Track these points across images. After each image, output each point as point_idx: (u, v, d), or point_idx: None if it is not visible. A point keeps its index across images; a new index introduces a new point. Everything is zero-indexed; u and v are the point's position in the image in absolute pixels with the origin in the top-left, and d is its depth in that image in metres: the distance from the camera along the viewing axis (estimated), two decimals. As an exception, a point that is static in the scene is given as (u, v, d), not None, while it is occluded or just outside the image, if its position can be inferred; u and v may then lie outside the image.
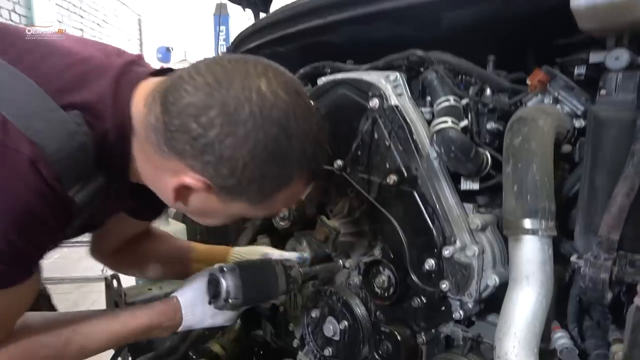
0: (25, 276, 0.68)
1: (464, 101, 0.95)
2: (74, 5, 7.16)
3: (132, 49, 7.31)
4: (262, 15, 1.91)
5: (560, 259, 0.85)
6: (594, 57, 0.91)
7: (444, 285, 0.90)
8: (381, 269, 1.02)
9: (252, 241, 1.61)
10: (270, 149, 0.66)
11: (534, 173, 0.80)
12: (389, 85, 0.99)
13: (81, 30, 7.44)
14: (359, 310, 1.10)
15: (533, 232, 0.78)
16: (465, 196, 0.97)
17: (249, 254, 1.20)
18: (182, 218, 1.69)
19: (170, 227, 1.61)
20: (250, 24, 1.59)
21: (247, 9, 1.99)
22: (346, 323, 1.11)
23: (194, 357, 1.41)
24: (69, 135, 0.65)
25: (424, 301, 0.98)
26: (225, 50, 1.80)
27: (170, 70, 0.79)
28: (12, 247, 0.63)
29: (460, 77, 1.00)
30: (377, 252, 1.06)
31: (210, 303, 0.93)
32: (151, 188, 0.79)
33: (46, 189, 0.64)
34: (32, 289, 0.74)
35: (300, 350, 1.32)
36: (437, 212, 0.91)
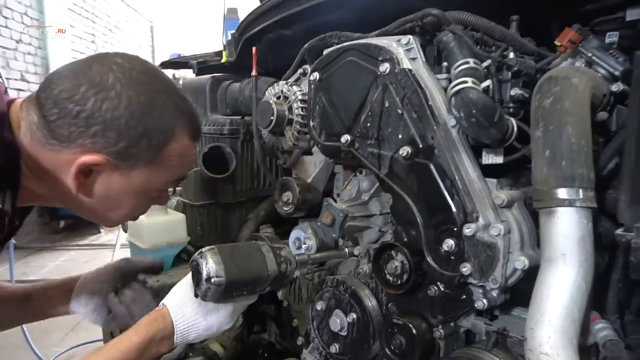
0: None
1: (485, 64, 0.85)
2: (86, 10, 7.20)
3: (144, 55, 7.33)
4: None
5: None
6: (632, 14, 0.81)
7: (465, 269, 0.79)
8: (393, 253, 0.91)
9: (256, 232, 1.52)
10: (143, 102, 0.74)
11: (569, 135, 0.69)
12: (401, 49, 0.90)
13: (93, 35, 7.48)
14: (369, 302, 0.99)
15: (569, 202, 0.67)
16: (488, 172, 0.87)
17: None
18: (182, 209, 1.60)
19: (170, 217, 1.53)
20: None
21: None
22: (354, 316, 1.01)
23: (191, 355, 1.31)
24: None
25: (442, 289, 0.87)
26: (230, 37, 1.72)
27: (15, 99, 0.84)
28: None
29: (480, 42, 0.90)
30: (388, 236, 0.96)
31: (196, 296, 0.83)
32: (54, 202, 0.83)
33: None
34: None
35: (304, 348, 1.21)
36: (456, 186, 0.81)
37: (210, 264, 0.79)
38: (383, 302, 0.99)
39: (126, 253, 1.77)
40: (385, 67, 0.88)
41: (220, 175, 1.49)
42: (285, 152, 1.26)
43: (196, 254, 0.83)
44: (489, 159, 0.88)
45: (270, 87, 1.22)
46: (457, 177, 0.81)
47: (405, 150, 0.85)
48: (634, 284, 0.75)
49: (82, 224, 5.62)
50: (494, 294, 0.82)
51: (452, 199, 0.81)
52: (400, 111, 0.87)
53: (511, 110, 0.88)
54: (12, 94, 0.89)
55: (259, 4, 1.45)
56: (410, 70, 0.86)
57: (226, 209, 1.59)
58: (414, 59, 0.89)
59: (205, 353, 1.39)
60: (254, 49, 1.33)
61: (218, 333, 0.91)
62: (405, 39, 0.91)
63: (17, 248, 3.79)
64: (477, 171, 0.84)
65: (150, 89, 0.76)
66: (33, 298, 1.05)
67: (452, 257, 0.82)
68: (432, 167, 0.83)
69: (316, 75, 1.04)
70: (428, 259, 0.85)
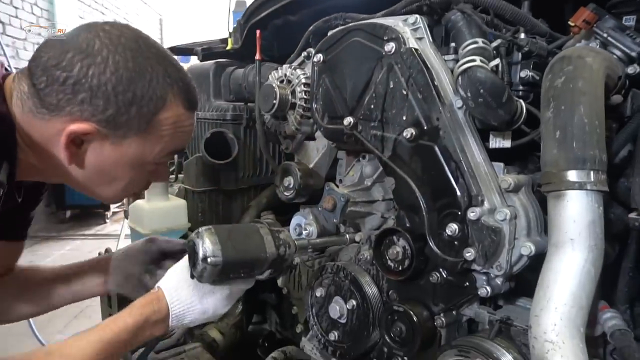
0: None
1: (495, 44, 0.82)
2: (95, 1, 7.22)
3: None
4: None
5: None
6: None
7: (469, 254, 0.76)
8: (395, 239, 0.89)
9: (257, 219, 1.50)
10: (131, 67, 0.72)
11: (581, 115, 0.66)
12: (408, 28, 0.87)
13: (102, 27, 7.49)
14: (369, 288, 0.97)
15: (580, 185, 0.64)
16: (494, 159, 0.84)
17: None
18: (184, 195, 1.59)
19: (171, 203, 1.51)
20: None
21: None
22: (354, 303, 0.98)
23: (189, 341, 1.30)
24: None
25: (444, 275, 0.84)
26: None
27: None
28: None
29: (490, 25, 0.87)
30: (390, 222, 0.93)
31: (192, 277, 0.81)
32: (51, 176, 0.82)
33: None
34: None
35: (303, 336, 1.19)
36: (461, 168, 0.78)
37: (206, 244, 0.77)
38: (384, 289, 0.97)
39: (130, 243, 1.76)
40: (390, 46, 0.86)
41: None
42: (287, 137, 1.23)
43: (193, 234, 0.81)
44: (496, 142, 0.85)
45: (274, 71, 1.20)
46: (462, 160, 0.78)
47: (409, 132, 0.83)
48: (645, 273, 0.72)
49: (88, 215, 5.66)
50: (498, 281, 0.79)
51: (457, 182, 0.78)
52: (405, 92, 0.84)
53: (520, 92, 0.85)
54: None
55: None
56: (416, 49, 0.84)
57: (228, 196, 1.57)
58: (420, 38, 0.87)
59: (204, 340, 1.38)
60: (257, 32, 1.31)
61: (214, 317, 0.89)
62: (412, 18, 0.88)
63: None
64: (484, 154, 0.81)
65: (139, 55, 0.74)
66: (71, 280, 1.05)
67: (456, 242, 0.79)
68: (436, 149, 0.81)
69: (320, 56, 1.01)
70: (431, 244, 0.83)
